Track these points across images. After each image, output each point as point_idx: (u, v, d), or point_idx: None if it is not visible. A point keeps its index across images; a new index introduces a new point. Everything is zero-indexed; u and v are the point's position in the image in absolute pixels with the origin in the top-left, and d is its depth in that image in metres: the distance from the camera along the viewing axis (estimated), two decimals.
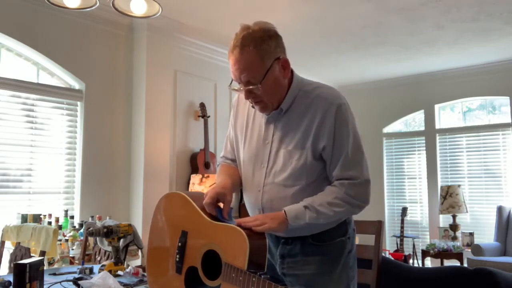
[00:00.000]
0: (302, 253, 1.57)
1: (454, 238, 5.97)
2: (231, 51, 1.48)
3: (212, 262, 1.45)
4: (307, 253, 1.57)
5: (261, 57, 1.45)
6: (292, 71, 1.58)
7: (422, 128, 6.97)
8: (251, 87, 1.48)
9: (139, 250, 3.26)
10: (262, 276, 1.23)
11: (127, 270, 2.20)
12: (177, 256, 1.55)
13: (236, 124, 1.71)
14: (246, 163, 1.65)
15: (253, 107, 1.59)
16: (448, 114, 6.92)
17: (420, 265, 5.95)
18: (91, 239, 3.22)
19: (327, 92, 1.54)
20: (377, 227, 2.18)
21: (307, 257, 1.57)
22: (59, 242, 3.38)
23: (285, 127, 1.55)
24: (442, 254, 5.58)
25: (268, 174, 1.57)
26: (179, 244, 1.56)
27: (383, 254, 2.47)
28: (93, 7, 2.60)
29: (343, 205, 1.49)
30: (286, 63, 1.52)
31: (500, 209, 5.77)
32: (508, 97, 6.26)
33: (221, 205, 1.54)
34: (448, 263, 5.61)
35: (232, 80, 1.54)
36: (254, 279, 1.24)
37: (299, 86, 1.57)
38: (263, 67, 1.46)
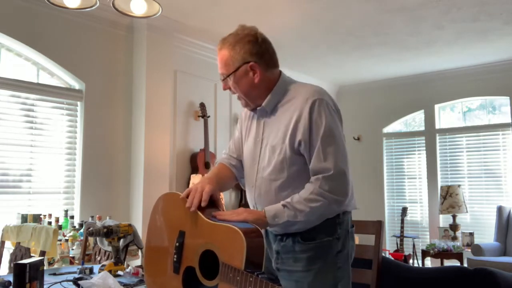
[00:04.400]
0: (293, 250, 1.63)
1: (454, 238, 5.97)
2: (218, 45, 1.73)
3: (210, 262, 1.45)
4: (297, 251, 1.62)
5: (231, 57, 1.65)
6: (280, 73, 1.71)
7: (422, 128, 6.97)
8: (222, 78, 1.70)
9: (139, 250, 3.26)
10: (260, 276, 1.23)
11: (127, 270, 2.20)
12: (175, 256, 1.56)
13: (242, 130, 1.83)
14: (245, 162, 1.76)
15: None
16: (448, 114, 6.92)
17: (420, 265, 5.95)
18: (91, 239, 3.22)
19: (307, 89, 1.64)
20: (377, 227, 2.18)
21: (297, 254, 1.62)
22: (59, 242, 3.38)
23: (272, 124, 1.66)
24: (442, 254, 5.58)
25: (259, 170, 1.67)
26: (177, 244, 1.56)
27: (383, 254, 2.47)
28: (93, 7, 2.61)
29: (319, 200, 1.52)
30: (254, 67, 1.64)
31: (500, 209, 5.77)
32: (508, 97, 6.26)
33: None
34: (448, 263, 5.61)
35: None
36: (251, 279, 1.24)
37: (286, 87, 1.67)
38: (232, 66, 1.65)
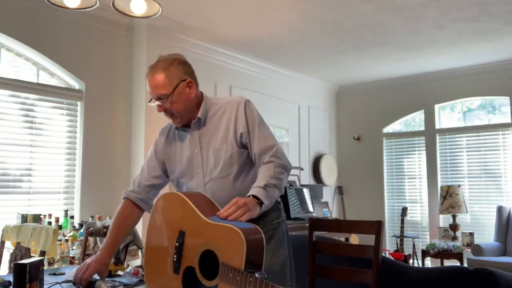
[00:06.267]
0: None
1: (454, 238, 5.97)
2: (146, 74, 1.87)
3: (210, 262, 1.45)
4: None
5: (169, 78, 1.83)
6: (202, 92, 1.95)
7: (422, 128, 6.97)
8: (161, 99, 1.84)
9: (139, 250, 3.25)
10: (260, 276, 1.23)
11: (127, 270, 2.20)
12: (175, 256, 1.56)
13: (169, 151, 1.98)
14: (183, 176, 1.91)
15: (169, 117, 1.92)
16: (448, 114, 6.92)
17: (420, 265, 5.95)
18: (91, 239, 3.22)
19: (232, 98, 1.94)
20: (377, 227, 2.18)
21: None
22: (59, 242, 3.38)
23: (208, 133, 1.88)
24: (442, 254, 5.58)
25: (205, 174, 1.85)
26: (177, 244, 1.56)
27: (383, 254, 2.47)
28: (93, 7, 2.60)
29: (283, 171, 1.79)
30: (190, 83, 1.88)
31: (500, 209, 5.77)
32: (508, 97, 6.26)
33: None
34: (448, 263, 5.61)
35: (151, 98, 1.89)
36: (251, 279, 1.24)
37: (210, 101, 1.94)
38: (170, 86, 1.82)
